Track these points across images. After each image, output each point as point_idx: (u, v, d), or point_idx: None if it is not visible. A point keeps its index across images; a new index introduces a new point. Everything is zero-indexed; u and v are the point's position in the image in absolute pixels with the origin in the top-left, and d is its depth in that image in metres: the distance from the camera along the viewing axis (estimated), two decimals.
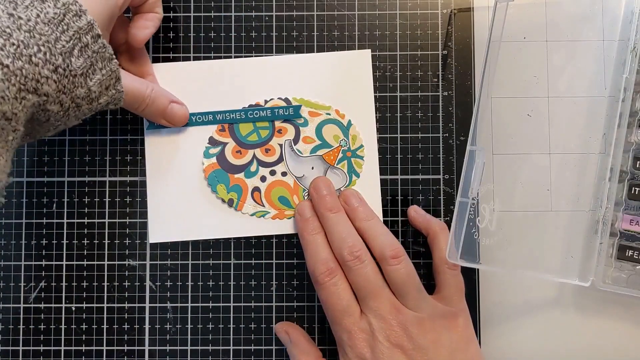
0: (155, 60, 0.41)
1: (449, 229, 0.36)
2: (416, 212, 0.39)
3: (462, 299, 0.37)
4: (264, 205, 0.40)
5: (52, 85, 0.30)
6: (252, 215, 0.40)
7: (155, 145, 0.40)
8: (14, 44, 0.29)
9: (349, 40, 0.41)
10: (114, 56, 0.33)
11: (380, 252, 0.36)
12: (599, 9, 0.40)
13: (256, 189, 0.40)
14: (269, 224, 0.40)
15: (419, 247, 0.40)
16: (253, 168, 0.40)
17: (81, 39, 0.32)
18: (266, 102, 0.40)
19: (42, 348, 0.40)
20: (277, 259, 0.40)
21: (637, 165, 0.37)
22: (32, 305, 0.40)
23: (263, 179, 0.40)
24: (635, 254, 0.36)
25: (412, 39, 0.41)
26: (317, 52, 0.41)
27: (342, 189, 0.40)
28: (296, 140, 0.40)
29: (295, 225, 0.39)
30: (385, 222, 0.40)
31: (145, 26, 0.37)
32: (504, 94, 0.40)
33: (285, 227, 0.40)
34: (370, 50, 0.40)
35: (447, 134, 0.40)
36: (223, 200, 0.40)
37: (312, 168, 0.40)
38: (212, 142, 0.40)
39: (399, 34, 0.41)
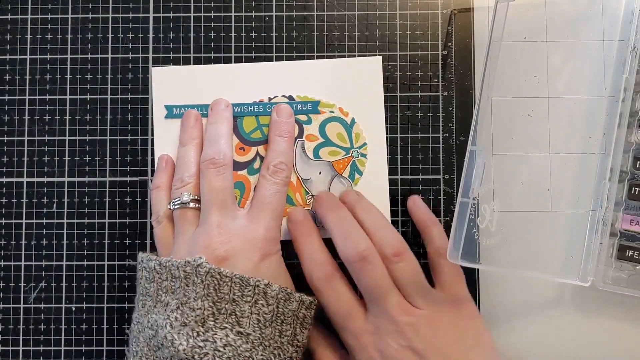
0: (156, 60, 0.41)
1: (450, 229, 0.36)
2: (414, 205, 0.39)
3: (462, 284, 0.37)
4: None
5: None
6: None
7: (162, 143, 0.40)
8: None
9: (348, 41, 0.41)
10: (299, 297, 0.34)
11: (380, 249, 0.35)
12: (598, 9, 0.40)
13: None
14: None
15: (419, 248, 0.40)
16: (256, 165, 0.40)
17: (297, 315, 0.33)
18: (270, 99, 0.40)
19: (42, 348, 0.40)
20: None
21: (637, 165, 0.37)
22: (32, 305, 0.40)
23: None
24: (635, 254, 0.36)
25: (412, 39, 0.41)
26: (317, 52, 0.41)
27: None
28: (299, 137, 0.40)
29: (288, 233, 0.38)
30: None
31: None
32: (504, 94, 0.40)
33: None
34: (381, 57, 0.40)
35: (447, 134, 0.40)
36: None
37: (320, 173, 0.40)
38: None
39: (399, 34, 0.41)
